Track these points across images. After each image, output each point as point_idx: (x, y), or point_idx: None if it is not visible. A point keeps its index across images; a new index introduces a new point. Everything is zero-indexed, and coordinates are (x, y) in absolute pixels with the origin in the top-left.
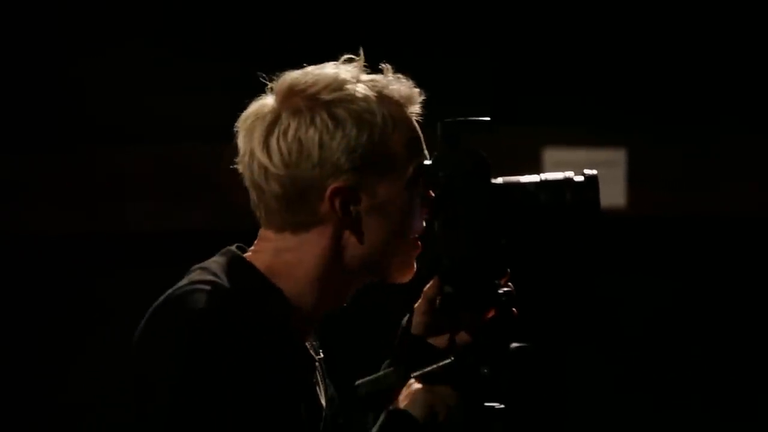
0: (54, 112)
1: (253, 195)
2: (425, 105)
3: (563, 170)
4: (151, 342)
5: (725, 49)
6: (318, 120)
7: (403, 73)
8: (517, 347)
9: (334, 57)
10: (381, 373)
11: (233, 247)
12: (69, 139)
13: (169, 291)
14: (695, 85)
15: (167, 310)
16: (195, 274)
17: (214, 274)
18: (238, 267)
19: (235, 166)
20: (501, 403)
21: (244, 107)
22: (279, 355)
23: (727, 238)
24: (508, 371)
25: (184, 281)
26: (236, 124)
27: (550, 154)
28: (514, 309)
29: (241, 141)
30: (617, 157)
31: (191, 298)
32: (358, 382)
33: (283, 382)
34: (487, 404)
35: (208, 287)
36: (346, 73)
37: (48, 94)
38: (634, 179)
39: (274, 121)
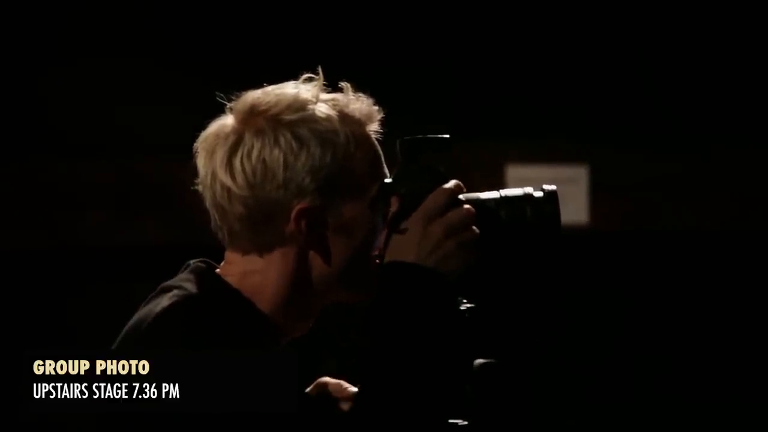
0: (14, 124)
1: (215, 216)
2: (386, 120)
3: (525, 186)
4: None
5: (688, 66)
6: (282, 140)
7: (363, 88)
8: (482, 363)
9: (294, 73)
10: None
11: (200, 263)
12: (27, 151)
13: (146, 311)
14: (659, 100)
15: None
16: (174, 292)
17: (195, 293)
18: (213, 284)
19: (196, 187)
20: (466, 420)
21: (204, 123)
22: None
23: (691, 253)
24: (474, 387)
25: (166, 301)
26: (195, 144)
27: (513, 170)
28: (477, 325)
29: (201, 162)
30: (579, 173)
31: (179, 315)
32: None
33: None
34: (451, 421)
35: (196, 304)
36: (306, 92)
37: (7, 106)
38: (597, 195)
39: (236, 141)
